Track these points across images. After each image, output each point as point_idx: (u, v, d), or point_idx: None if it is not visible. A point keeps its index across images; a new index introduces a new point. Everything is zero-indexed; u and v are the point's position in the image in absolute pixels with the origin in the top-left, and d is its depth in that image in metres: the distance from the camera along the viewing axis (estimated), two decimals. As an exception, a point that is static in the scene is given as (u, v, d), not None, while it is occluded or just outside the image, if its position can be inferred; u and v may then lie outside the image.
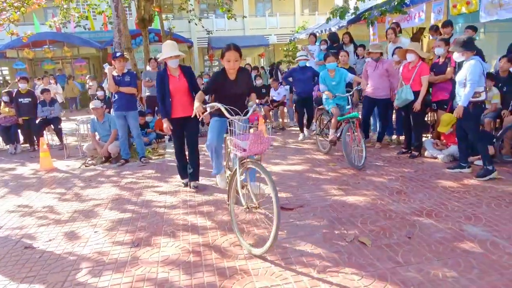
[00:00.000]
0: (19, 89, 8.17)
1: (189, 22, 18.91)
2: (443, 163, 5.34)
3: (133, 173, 5.86)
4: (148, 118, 8.43)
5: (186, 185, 4.94)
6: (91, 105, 6.57)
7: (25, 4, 13.47)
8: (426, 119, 7.01)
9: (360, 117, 5.96)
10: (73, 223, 4.00)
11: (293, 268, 2.80)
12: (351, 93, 5.80)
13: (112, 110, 6.55)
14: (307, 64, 7.47)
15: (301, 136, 7.65)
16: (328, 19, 10.28)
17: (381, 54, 6.10)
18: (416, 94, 5.46)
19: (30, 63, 19.75)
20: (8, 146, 8.39)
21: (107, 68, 6.08)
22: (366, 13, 9.40)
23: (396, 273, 2.65)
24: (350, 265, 2.80)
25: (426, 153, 5.73)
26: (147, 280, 2.78)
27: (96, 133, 6.79)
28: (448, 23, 6.71)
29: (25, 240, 3.66)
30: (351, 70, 6.65)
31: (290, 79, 7.59)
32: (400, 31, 7.36)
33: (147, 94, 8.81)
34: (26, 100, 8.10)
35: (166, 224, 3.78)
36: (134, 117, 6.22)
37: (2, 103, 8.35)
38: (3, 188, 5.58)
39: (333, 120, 5.84)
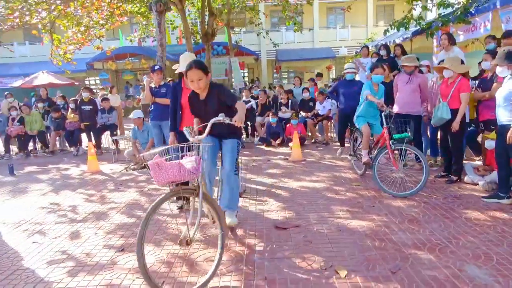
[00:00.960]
0: (83, 97, 9.07)
1: (257, 35, 19.39)
2: (483, 190, 4.72)
3: (161, 180, 6.10)
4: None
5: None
6: (131, 116, 7.03)
7: (109, 22, 15.04)
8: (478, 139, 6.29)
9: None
10: (83, 223, 4.29)
11: (249, 291, 2.68)
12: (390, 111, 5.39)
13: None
14: (356, 78, 7.11)
15: (339, 150, 7.32)
16: (386, 31, 9.79)
17: (416, 67, 5.59)
18: (455, 112, 4.92)
19: (113, 73, 21.84)
20: (72, 148, 9.34)
21: (145, 80, 6.46)
22: (425, 24, 8.78)
23: (354, 311, 2.40)
24: (310, 295, 2.60)
25: (466, 178, 5.11)
26: (110, 286, 2.87)
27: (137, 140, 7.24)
28: (510, 33, 5.96)
29: (37, 235, 4.02)
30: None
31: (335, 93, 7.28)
32: (454, 43, 6.70)
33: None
34: (88, 107, 8.96)
35: (159, 232, 3.88)
36: (168, 126, 6.48)
37: (70, 109, 9.35)
38: (50, 186, 6.20)
39: (364, 141, 5.46)
